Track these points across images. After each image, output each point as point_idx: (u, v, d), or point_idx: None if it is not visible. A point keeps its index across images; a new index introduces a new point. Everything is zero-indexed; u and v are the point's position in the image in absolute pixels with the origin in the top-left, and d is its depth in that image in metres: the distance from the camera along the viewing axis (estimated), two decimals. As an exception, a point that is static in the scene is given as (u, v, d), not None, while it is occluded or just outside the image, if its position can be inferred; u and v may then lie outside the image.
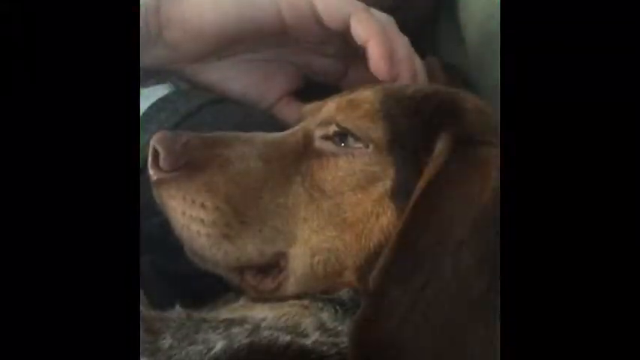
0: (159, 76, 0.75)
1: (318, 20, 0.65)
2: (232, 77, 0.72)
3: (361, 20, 0.63)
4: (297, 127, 0.59)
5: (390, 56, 0.63)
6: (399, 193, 0.51)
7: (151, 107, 0.68)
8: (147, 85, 0.74)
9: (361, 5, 0.64)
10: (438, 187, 0.48)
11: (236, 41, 0.68)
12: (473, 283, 0.44)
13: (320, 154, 0.55)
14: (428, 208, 0.48)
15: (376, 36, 0.63)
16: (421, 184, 0.49)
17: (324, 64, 0.73)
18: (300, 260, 0.53)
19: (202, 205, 0.53)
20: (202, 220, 0.53)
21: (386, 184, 0.52)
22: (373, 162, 0.53)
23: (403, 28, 0.67)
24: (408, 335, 0.44)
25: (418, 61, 0.67)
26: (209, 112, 0.67)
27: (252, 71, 0.72)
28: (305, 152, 0.56)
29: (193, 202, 0.53)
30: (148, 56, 0.68)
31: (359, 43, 0.63)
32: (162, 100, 0.69)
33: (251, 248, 0.53)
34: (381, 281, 0.46)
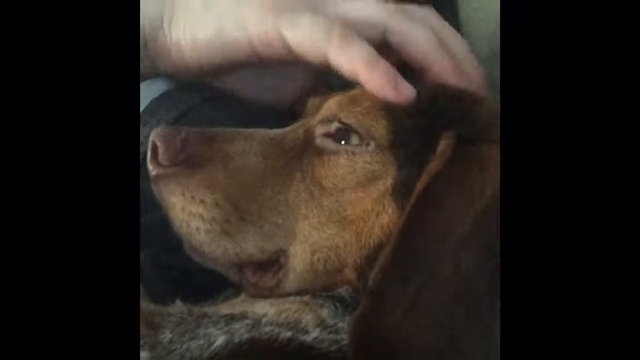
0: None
1: (294, 56, 0.59)
2: (245, 87, 0.69)
3: (338, 54, 0.55)
4: (298, 124, 0.58)
5: (392, 75, 0.53)
6: (399, 192, 0.51)
7: (152, 102, 0.68)
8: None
9: (337, 33, 0.55)
10: (438, 185, 0.48)
11: (226, 72, 0.66)
12: (473, 281, 0.44)
13: (321, 152, 0.54)
14: (428, 207, 0.48)
15: (361, 62, 0.54)
16: (422, 182, 0.49)
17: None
18: (300, 257, 0.53)
19: (202, 201, 0.53)
20: (202, 216, 0.53)
21: (387, 182, 0.52)
22: (374, 160, 0.52)
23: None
24: (408, 333, 0.44)
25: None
26: (210, 107, 0.67)
27: (265, 77, 0.68)
28: (306, 149, 0.55)
29: (193, 198, 0.53)
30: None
31: (347, 77, 0.55)
32: (163, 95, 0.68)
33: (251, 245, 0.53)
34: (381, 279, 0.46)
